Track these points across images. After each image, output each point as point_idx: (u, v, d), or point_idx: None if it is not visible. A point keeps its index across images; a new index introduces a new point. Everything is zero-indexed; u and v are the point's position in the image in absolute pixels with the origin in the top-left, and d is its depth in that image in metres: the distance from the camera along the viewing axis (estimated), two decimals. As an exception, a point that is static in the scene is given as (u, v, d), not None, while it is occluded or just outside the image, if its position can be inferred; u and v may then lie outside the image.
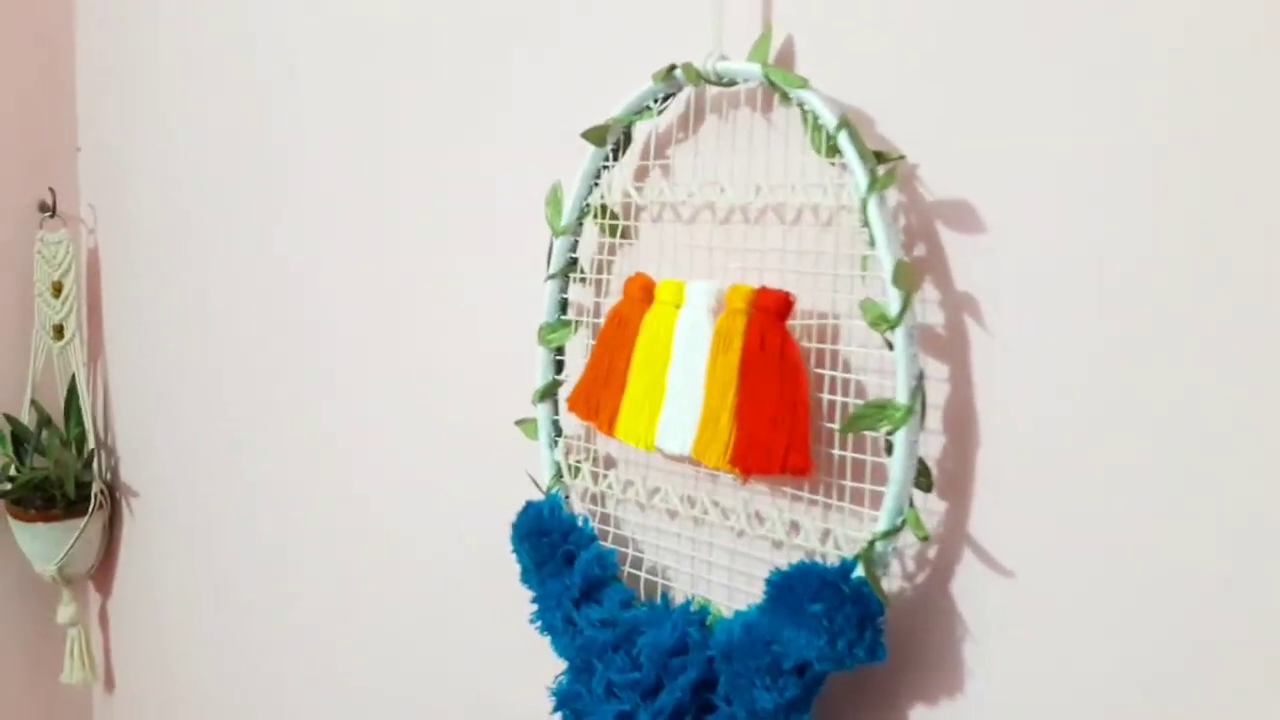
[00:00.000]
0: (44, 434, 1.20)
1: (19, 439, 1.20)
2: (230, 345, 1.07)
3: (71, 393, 1.22)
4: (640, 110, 0.61)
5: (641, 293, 0.60)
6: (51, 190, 1.20)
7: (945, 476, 0.52)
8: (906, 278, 0.49)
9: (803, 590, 0.49)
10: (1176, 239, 0.45)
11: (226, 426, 1.09)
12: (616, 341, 0.61)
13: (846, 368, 0.54)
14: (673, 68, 0.58)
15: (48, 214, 1.20)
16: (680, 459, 0.61)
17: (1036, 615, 0.50)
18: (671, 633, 0.56)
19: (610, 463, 0.67)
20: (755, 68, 0.54)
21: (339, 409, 0.93)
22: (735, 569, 0.60)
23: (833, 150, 0.52)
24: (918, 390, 0.49)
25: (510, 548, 0.66)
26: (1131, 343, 0.46)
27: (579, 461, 0.67)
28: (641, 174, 0.64)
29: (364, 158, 0.87)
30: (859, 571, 0.50)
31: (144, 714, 1.26)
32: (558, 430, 0.67)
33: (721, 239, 0.60)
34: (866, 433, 0.51)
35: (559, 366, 0.67)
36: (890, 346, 0.50)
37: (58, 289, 1.20)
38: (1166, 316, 0.45)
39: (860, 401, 0.52)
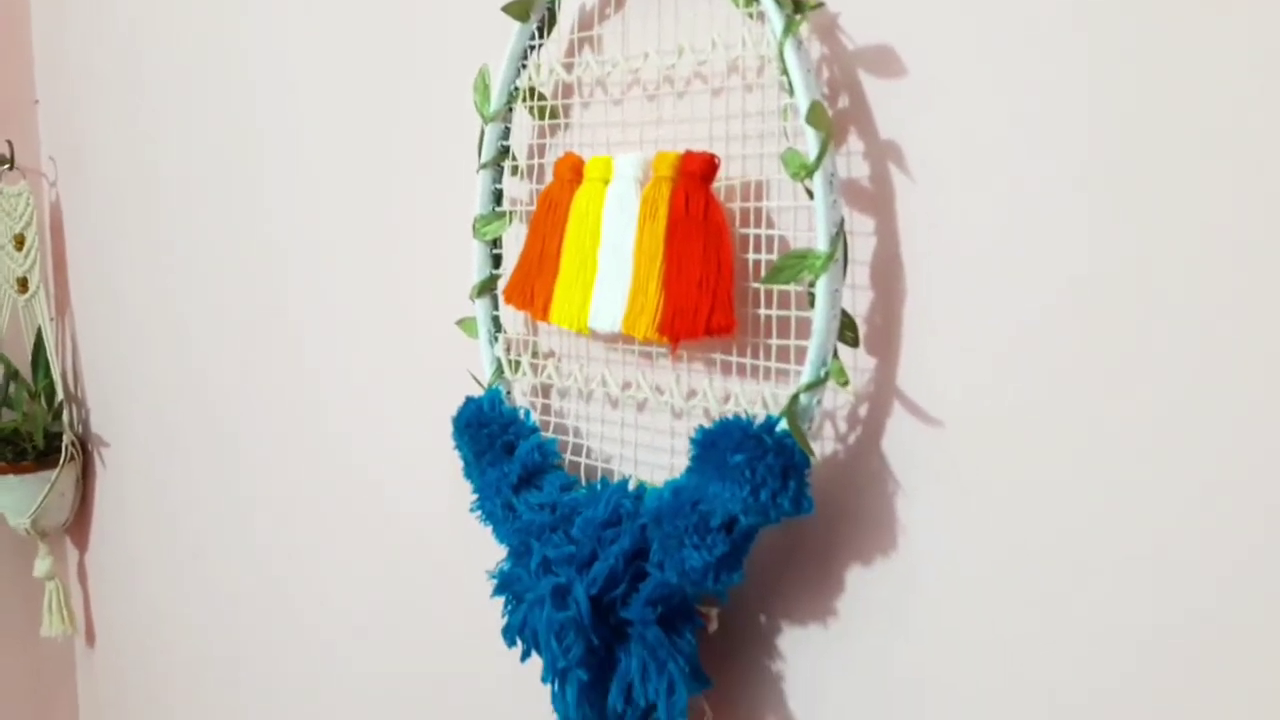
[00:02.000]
0: (11, 387, 1.19)
1: (-14, 393, 1.19)
2: (196, 293, 1.06)
3: (38, 345, 1.21)
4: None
5: (571, 173, 0.59)
6: (9, 143, 1.19)
7: (874, 332, 0.52)
8: (821, 117, 0.47)
9: (725, 444, 0.48)
10: (1110, 82, 0.44)
11: (196, 375, 1.08)
12: (548, 225, 0.60)
13: (771, 225, 0.53)
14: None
15: (6, 166, 1.19)
16: (613, 339, 0.60)
17: (966, 467, 0.49)
18: (605, 506, 0.55)
19: (551, 356, 0.66)
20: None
21: (305, 348, 0.92)
22: (676, 448, 0.59)
23: (750, 1, 0.51)
24: (838, 237, 0.48)
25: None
26: (1060, 189, 0.45)
27: (519, 357, 0.66)
28: (570, 52, 0.63)
29: (309, 66, 0.86)
30: (783, 425, 0.49)
31: (125, 666, 1.25)
32: (497, 326, 0.66)
33: (651, 113, 0.59)
34: (791, 288, 0.50)
35: (496, 261, 0.66)
36: (811, 195, 0.49)
37: (20, 242, 1.19)
38: (1097, 159, 0.44)
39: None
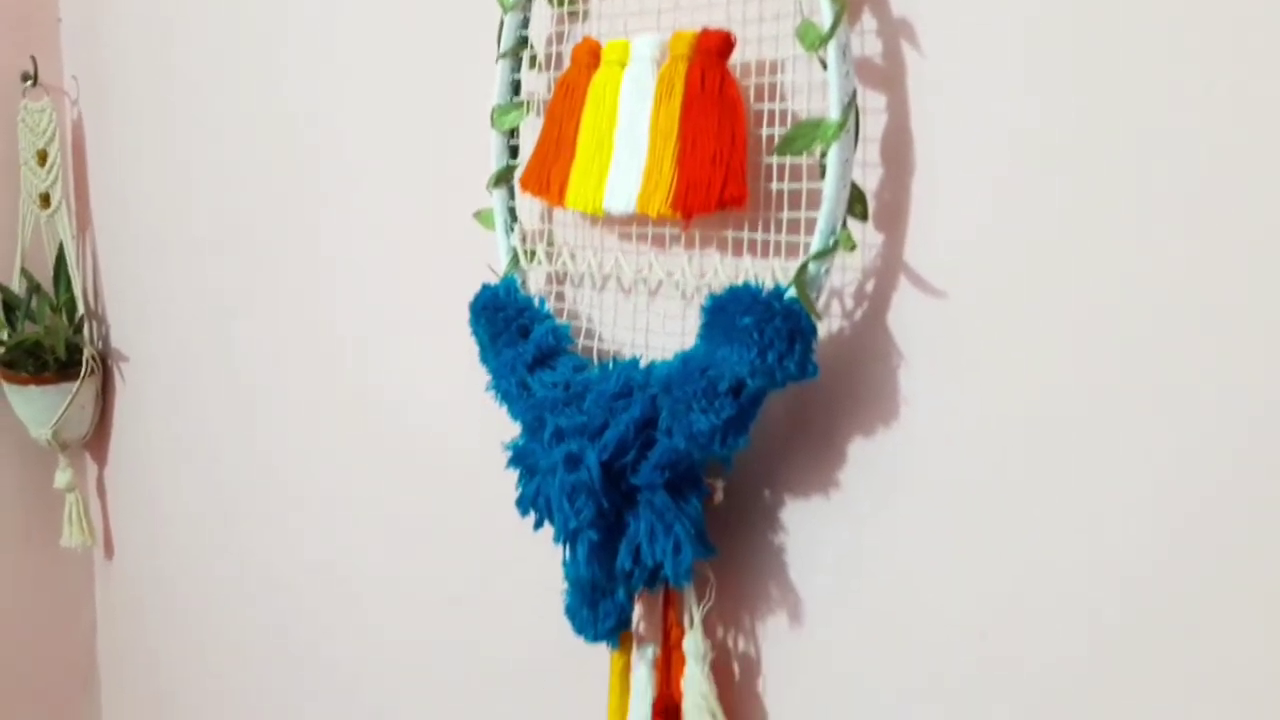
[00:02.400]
0: (34, 300, 1.21)
1: (9, 306, 1.21)
2: (216, 210, 1.07)
3: (60, 260, 1.23)
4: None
5: (589, 58, 0.60)
6: (33, 59, 1.20)
7: (883, 208, 0.53)
8: (843, -10, 0.49)
9: (734, 308, 0.50)
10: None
11: (214, 290, 1.10)
12: (565, 110, 0.61)
13: (784, 100, 0.54)
14: None
15: (30, 83, 1.20)
16: (626, 224, 0.61)
17: (970, 342, 0.50)
18: (617, 379, 0.57)
19: (566, 247, 0.67)
20: None
21: (322, 255, 0.94)
22: (686, 330, 0.60)
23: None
24: (850, 107, 0.49)
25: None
26: (1070, 67, 0.46)
27: (534, 247, 0.67)
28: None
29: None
30: (791, 292, 0.50)
31: (142, 579, 1.28)
32: (513, 217, 0.68)
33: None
34: (803, 159, 0.52)
35: (513, 152, 0.67)
36: (825, 66, 0.50)
37: (42, 157, 1.21)
38: (1107, 40, 0.45)
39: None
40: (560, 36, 0.66)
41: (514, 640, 0.77)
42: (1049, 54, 0.47)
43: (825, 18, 0.49)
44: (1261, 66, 0.41)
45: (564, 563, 0.61)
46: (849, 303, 0.55)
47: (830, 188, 0.50)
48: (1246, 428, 0.43)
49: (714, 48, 0.54)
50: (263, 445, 1.07)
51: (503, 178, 0.67)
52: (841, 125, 0.49)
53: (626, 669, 0.62)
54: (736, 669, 0.61)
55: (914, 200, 0.52)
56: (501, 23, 0.65)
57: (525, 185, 0.64)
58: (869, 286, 0.54)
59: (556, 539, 0.57)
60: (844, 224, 0.50)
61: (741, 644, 0.61)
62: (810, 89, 0.53)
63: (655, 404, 0.55)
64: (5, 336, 1.19)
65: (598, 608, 0.60)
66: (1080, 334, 0.47)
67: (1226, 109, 0.42)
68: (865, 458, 0.55)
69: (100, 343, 1.25)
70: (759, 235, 0.55)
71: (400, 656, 0.90)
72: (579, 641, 0.66)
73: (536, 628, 0.73)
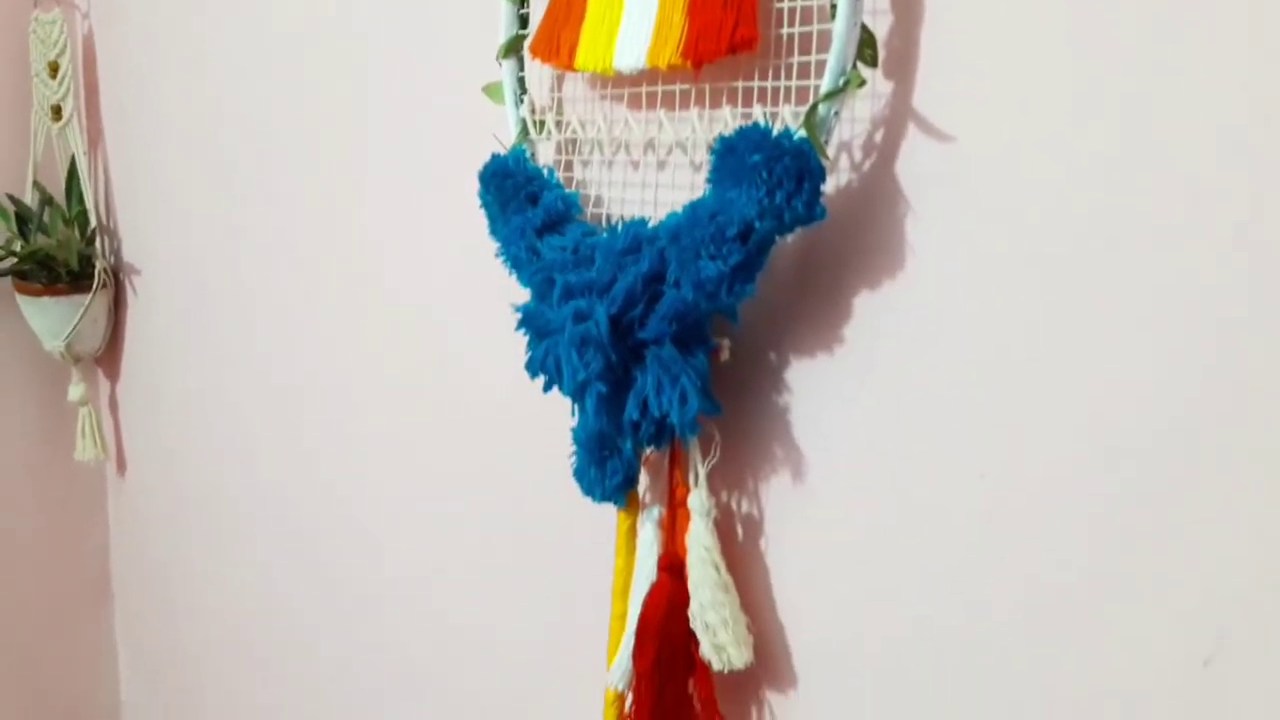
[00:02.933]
0: (46, 213, 1.22)
1: (22, 218, 1.22)
2: (229, 117, 1.07)
3: (72, 173, 1.23)
4: None
5: (600, -81, 0.60)
6: (43, -32, 1.20)
7: (892, 56, 0.53)
8: None
9: (744, 147, 0.50)
10: None
11: (229, 205, 1.11)
12: (576, -27, 0.61)
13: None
14: None
15: (40, -7, 1.20)
16: (636, 82, 0.61)
17: (980, 191, 0.51)
18: (625, 236, 0.57)
19: (575, 118, 0.68)
20: None
21: (345, 165, 0.94)
22: (695, 197, 0.61)
23: None
24: (861, -55, 0.49)
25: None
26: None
27: (543, 117, 0.67)
28: None
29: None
30: (800, 132, 0.50)
31: (155, 494, 1.30)
32: (522, 88, 0.68)
33: None
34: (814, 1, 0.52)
35: (523, 21, 0.67)
36: (836, -98, 0.50)
37: (54, 69, 1.21)
38: None
39: (809, -15, 0.53)
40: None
41: (522, 511, 0.78)
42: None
43: None
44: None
45: (573, 414, 0.61)
46: (857, 154, 0.55)
47: (840, 26, 0.50)
48: (1266, 265, 0.43)
49: (726, -105, 0.54)
50: (278, 359, 1.07)
51: (512, 48, 0.67)
52: (852, -37, 0.49)
53: (633, 530, 0.63)
54: (739, 529, 0.62)
55: (923, 47, 0.52)
56: (513, -111, 0.65)
57: (535, 51, 0.64)
58: (877, 137, 0.54)
59: (565, 390, 0.58)
60: (854, 65, 0.50)
61: (744, 504, 0.62)
62: (821, -63, 0.53)
63: (663, 258, 0.55)
64: (18, 248, 1.20)
65: (605, 465, 0.60)
66: (1092, 181, 0.47)
67: (1239, -73, 0.42)
68: (871, 311, 0.55)
69: (112, 256, 1.26)
70: (769, 83, 0.55)
71: (413, 549, 0.91)
72: (584, 509, 0.67)
73: (543, 499, 0.74)
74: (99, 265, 1.22)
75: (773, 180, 0.49)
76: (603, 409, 0.56)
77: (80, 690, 1.38)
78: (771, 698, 0.62)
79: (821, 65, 0.51)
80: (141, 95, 1.19)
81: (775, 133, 0.50)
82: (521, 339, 0.61)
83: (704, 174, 0.60)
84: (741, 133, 0.51)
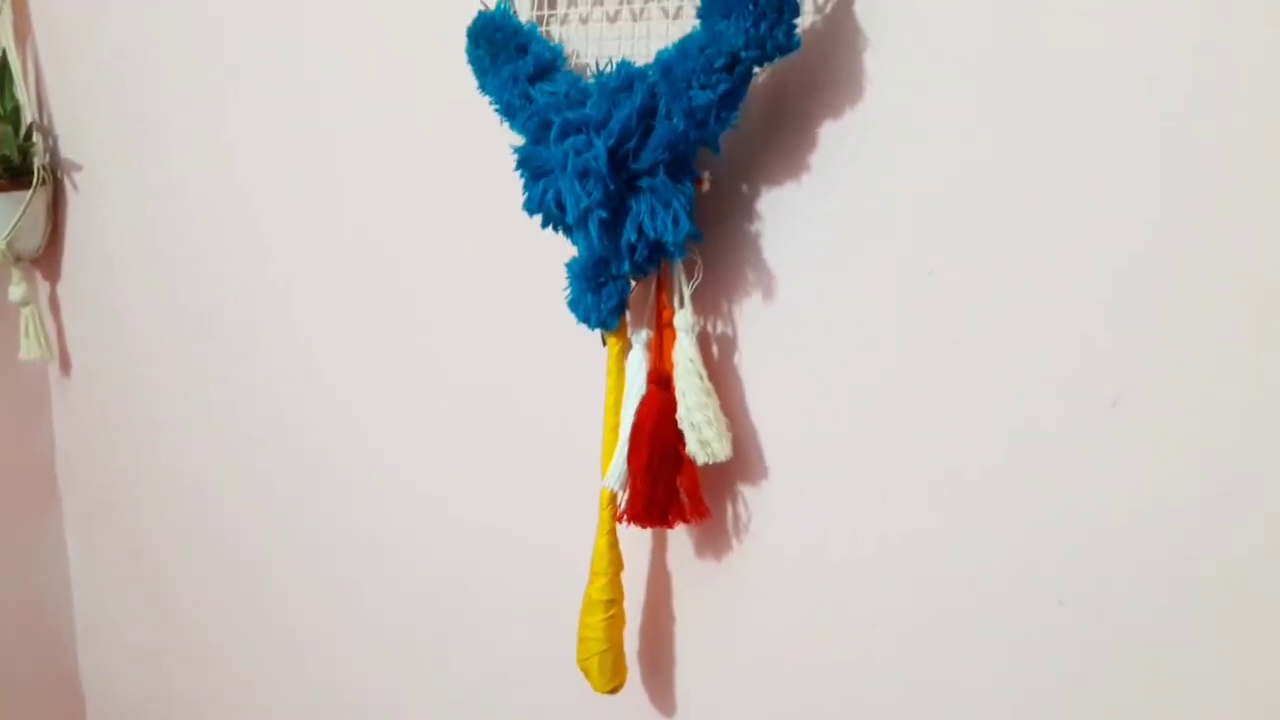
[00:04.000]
0: (-23, 108, 1.20)
1: (-49, 114, 1.20)
2: (170, 14, 1.08)
3: (2, 68, 1.22)
4: None
5: None
6: None
7: (852, -90, 0.61)
8: None
9: (733, -18, 0.57)
10: None
11: (169, 99, 1.12)
12: None
13: None
14: None
15: (-44, -123, 1.17)
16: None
17: (936, 26, 0.59)
18: (618, 75, 0.64)
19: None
20: None
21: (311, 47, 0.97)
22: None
23: None
24: None
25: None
26: None
27: (526, -20, 0.73)
28: None
29: None
30: (776, -30, 0.58)
31: (100, 392, 1.31)
32: (511, -45, 0.73)
33: None
34: None
35: (504, -109, 0.72)
36: None
37: (-24, -41, 1.18)
38: None
39: None
40: None
41: (515, 340, 0.84)
42: None
43: None
44: None
45: (566, 264, 0.69)
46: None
47: (812, -120, 0.57)
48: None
49: None
50: (231, 253, 1.10)
51: (495, -85, 0.72)
52: None
53: (623, 351, 0.71)
54: (715, 346, 0.71)
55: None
56: None
57: (519, -84, 0.70)
58: (838, -16, 0.62)
59: (568, 220, 0.65)
60: (822, -86, 0.58)
61: (719, 324, 0.71)
62: None
63: (654, 94, 0.62)
64: (-48, 143, 1.19)
65: (601, 291, 0.68)
66: (1052, 21, 0.56)
67: None
68: (832, 140, 0.64)
69: (48, 155, 1.25)
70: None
71: (389, 410, 0.97)
72: (574, 338, 0.75)
73: (541, 329, 0.82)
74: (37, 161, 1.22)
75: (758, 11, 0.56)
76: (603, 234, 0.64)
77: (32, 590, 1.40)
78: (744, 489, 0.72)
79: None
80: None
81: (758, -28, 0.58)
82: (508, 198, 0.68)
83: (679, 24, 0.68)
84: (729, -29, 0.58)
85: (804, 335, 0.67)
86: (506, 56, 0.69)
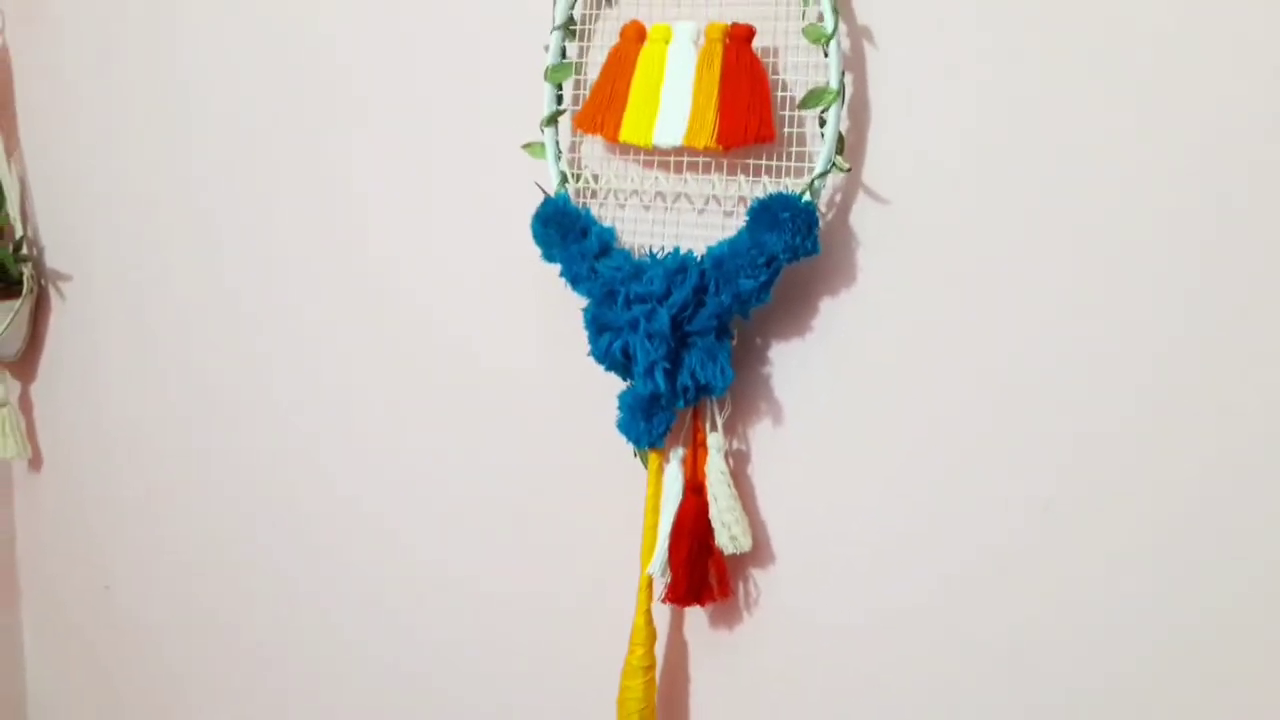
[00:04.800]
0: (-30, 223, 1.26)
1: (-57, 226, 1.25)
2: (156, 133, 1.19)
3: (-7, 183, 1.28)
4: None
5: (636, 34, 0.85)
6: (-39, -17, 1.24)
7: (850, 146, 0.83)
8: (842, 5, 0.78)
9: (777, 207, 0.78)
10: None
11: (157, 204, 1.22)
12: (617, 72, 0.86)
13: (786, 71, 0.82)
14: None
15: (-43, 8, 1.24)
16: (670, 153, 0.87)
17: (906, 232, 0.81)
18: (674, 259, 0.83)
19: (609, 175, 0.92)
20: None
21: (337, 180, 1.11)
22: (698, 235, 0.87)
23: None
24: (842, 81, 0.79)
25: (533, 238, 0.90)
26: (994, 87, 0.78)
27: (579, 171, 0.91)
28: (625, -50, 0.88)
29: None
30: (806, 197, 0.79)
31: (68, 488, 1.37)
32: (558, 149, 0.91)
33: None
34: (809, 112, 0.80)
35: (558, 99, 0.91)
36: (826, 54, 0.79)
37: (-28, 82, 1.25)
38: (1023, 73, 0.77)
39: (794, 95, 0.81)
40: (594, 19, 0.90)
41: (558, 458, 1.01)
42: (963, 53, 0.78)
43: (829, 24, 0.78)
44: None
45: (620, 394, 0.87)
46: (823, 207, 0.84)
47: (830, 131, 0.79)
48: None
49: (744, 35, 0.81)
50: (214, 359, 1.21)
51: (553, 119, 0.91)
52: (839, 93, 0.78)
53: (661, 466, 0.89)
54: (732, 460, 0.91)
55: (869, 143, 0.82)
56: (555, 3, 0.89)
57: (581, 125, 0.88)
58: (837, 198, 0.84)
59: (637, 370, 0.83)
60: (838, 152, 0.80)
61: (737, 443, 0.90)
62: (806, 67, 0.82)
63: (704, 276, 0.82)
64: (-54, 256, 1.24)
65: (653, 420, 0.86)
66: (1000, 254, 0.79)
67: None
68: (828, 309, 0.85)
69: (34, 265, 1.31)
70: (772, 162, 0.83)
71: (431, 493, 1.11)
72: (616, 456, 0.93)
73: (580, 451, 0.98)
74: (27, 271, 1.28)
75: (795, 229, 0.78)
76: (664, 379, 0.82)
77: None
78: (754, 571, 0.91)
79: (802, 154, 0.81)
80: (59, 107, 1.27)
81: (793, 196, 0.79)
82: (539, 330, 0.86)
83: (708, 217, 0.88)
84: (775, 197, 0.79)
85: (804, 451, 0.88)
86: (573, 237, 0.87)
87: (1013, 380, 0.79)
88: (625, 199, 0.91)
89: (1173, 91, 0.71)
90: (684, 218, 0.89)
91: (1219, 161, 0.70)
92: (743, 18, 0.83)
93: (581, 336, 0.88)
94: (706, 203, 0.87)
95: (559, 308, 0.93)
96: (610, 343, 0.84)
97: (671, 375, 0.83)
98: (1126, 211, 0.73)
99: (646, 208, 0.91)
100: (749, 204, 0.82)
